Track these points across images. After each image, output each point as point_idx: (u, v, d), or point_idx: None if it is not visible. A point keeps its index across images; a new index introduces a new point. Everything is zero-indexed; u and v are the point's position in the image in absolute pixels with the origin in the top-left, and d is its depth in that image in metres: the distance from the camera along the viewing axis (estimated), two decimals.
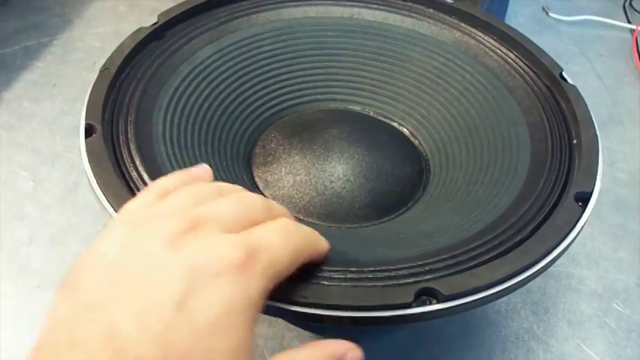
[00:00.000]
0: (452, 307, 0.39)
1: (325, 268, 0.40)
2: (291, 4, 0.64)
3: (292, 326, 0.57)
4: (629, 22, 1.04)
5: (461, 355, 0.57)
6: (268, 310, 0.38)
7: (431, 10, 0.65)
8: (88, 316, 0.30)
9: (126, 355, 0.28)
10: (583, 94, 0.54)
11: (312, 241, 0.39)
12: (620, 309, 0.61)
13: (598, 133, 0.51)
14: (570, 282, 0.63)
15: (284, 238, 0.35)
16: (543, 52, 0.59)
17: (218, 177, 0.52)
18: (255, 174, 0.57)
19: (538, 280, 0.62)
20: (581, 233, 0.44)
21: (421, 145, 0.60)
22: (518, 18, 1.04)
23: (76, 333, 0.29)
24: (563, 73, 0.56)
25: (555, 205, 0.46)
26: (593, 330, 0.60)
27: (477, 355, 0.57)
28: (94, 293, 0.31)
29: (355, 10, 0.65)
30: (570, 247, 0.44)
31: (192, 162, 0.51)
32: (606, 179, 0.74)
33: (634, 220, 0.70)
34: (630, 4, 1.09)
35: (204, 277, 0.31)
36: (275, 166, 0.57)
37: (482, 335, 0.58)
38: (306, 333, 0.57)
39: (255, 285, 0.32)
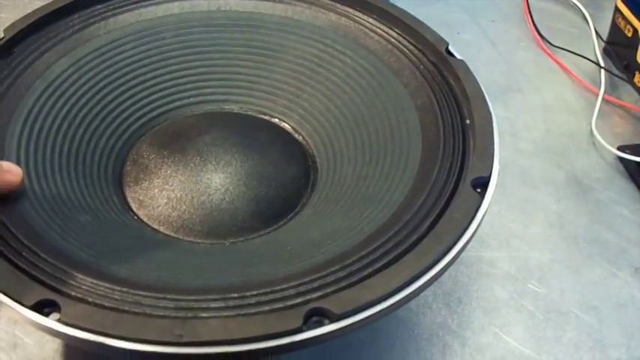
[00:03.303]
0: (346, 326, 0.36)
1: (202, 297, 0.37)
2: (151, 2, 0.60)
3: None
4: None
5: None
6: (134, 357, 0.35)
7: None
8: None
9: None
10: (478, 63, 0.52)
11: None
12: (536, 289, 0.59)
13: (491, 109, 0.48)
14: (481, 266, 0.60)
15: None
16: (426, 26, 0.56)
17: (84, 202, 0.48)
18: (127, 195, 0.52)
19: None
20: (488, 212, 0.42)
21: (305, 140, 0.57)
22: None
23: None
24: (450, 48, 0.54)
25: (452, 196, 0.44)
26: (510, 315, 0.57)
27: (390, 359, 0.54)
28: None
29: (222, 1, 0.61)
30: (479, 229, 0.42)
31: (54, 192, 0.47)
32: (509, 151, 0.72)
33: (541, 192, 0.68)
34: None
35: None
36: (147, 183, 0.53)
37: (393, 337, 0.55)
38: None
39: None
